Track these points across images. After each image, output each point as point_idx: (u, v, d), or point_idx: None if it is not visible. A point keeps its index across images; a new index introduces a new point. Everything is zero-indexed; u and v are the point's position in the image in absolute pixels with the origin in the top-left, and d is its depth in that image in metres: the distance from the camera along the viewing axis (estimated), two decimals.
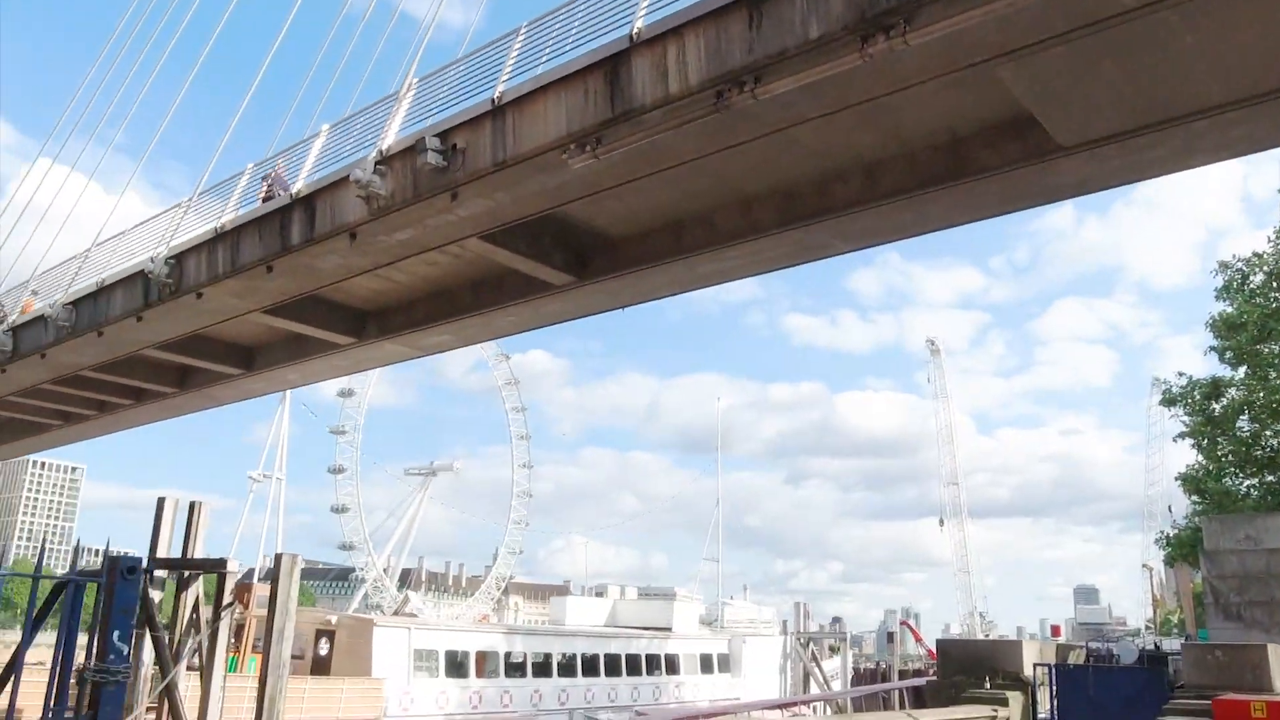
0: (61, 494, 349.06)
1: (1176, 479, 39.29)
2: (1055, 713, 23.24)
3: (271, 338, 25.43)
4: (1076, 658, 26.73)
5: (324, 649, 35.74)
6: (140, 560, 11.11)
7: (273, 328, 24.13)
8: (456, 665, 38.17)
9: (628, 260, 18.40)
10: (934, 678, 26.21)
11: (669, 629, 52.02)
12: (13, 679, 10.66)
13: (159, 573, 27.14)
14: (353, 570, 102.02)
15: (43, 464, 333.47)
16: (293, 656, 36.65)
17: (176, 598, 27.23)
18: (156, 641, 25.70)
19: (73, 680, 12.96)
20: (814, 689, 55.20)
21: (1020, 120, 12.87)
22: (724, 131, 12.80)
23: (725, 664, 52.91)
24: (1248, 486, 37.72)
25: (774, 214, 15.83)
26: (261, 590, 36.06)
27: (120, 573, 10.38)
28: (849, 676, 55.42)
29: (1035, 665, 23.92)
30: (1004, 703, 22.01)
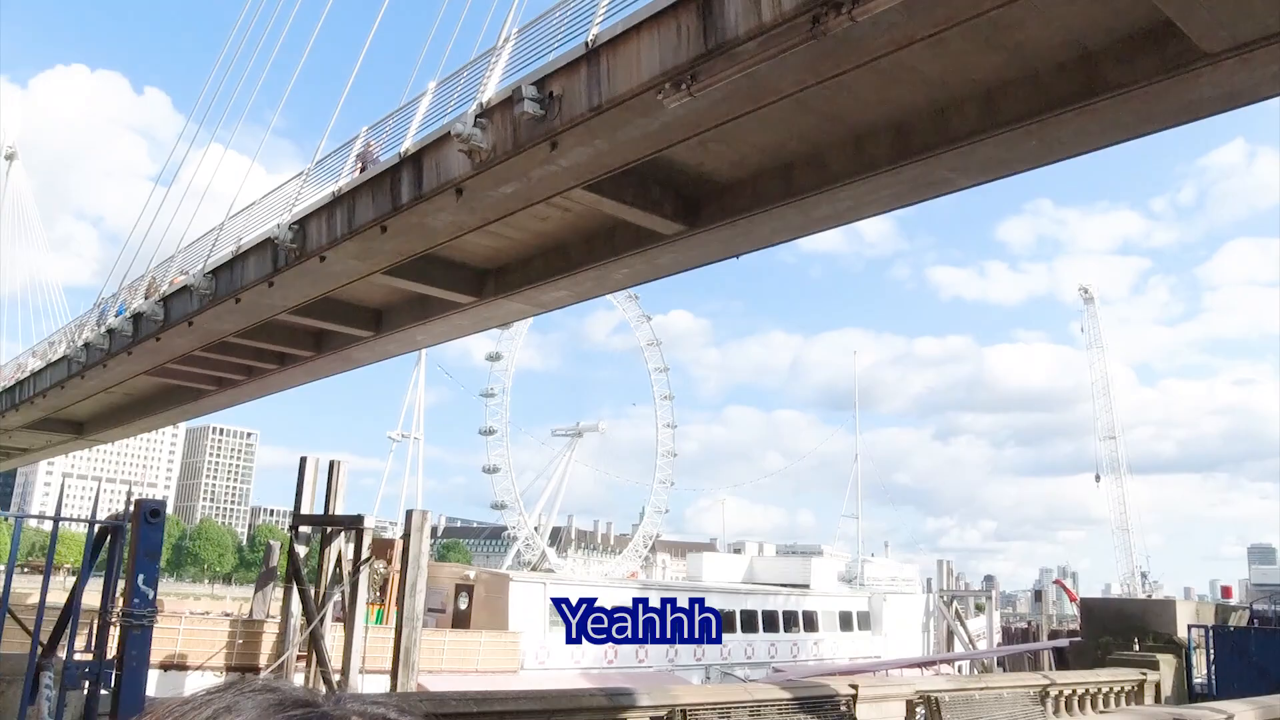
0: (239, 458, 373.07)
1: None
2: (1213, 677, 21.77)
3: (397, 299, 25.95)
4: (1239, 620, 24.98)
5: (464, 603, 36.80)
6: (163, 504, 11.31)
7: (397, 289, 24.63)
8: None
9: (738, 206, 17.83)
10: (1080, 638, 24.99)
11: (807, 586, 51.47)
12: (70, 622, 11.09)
13: (304, 529, 28.47)
14: (505, 529, 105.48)
15: (221, 430, 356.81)
16: (434, 610, 38.11)
17: (321, 552, 28.48)
18: (303, 594, 26.98)
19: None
20: (958, 648, 53.79)
21: (1157, 28, 11.67)
22: (825, 60, 12.07)
23: (865, 621, 52.04)
24: None
25: (887, 149, 14.98)
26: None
27: (144, 516, 10.57)
28: (995, 636, 53.60)
29: (1190, 627, 22.45)
30: (1153, 665, 20.73)
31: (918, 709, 14.82)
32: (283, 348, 30.13)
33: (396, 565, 35.92)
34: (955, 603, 56.46)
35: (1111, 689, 19.71)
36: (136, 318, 28.96)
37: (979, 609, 65.05)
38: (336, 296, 24.96)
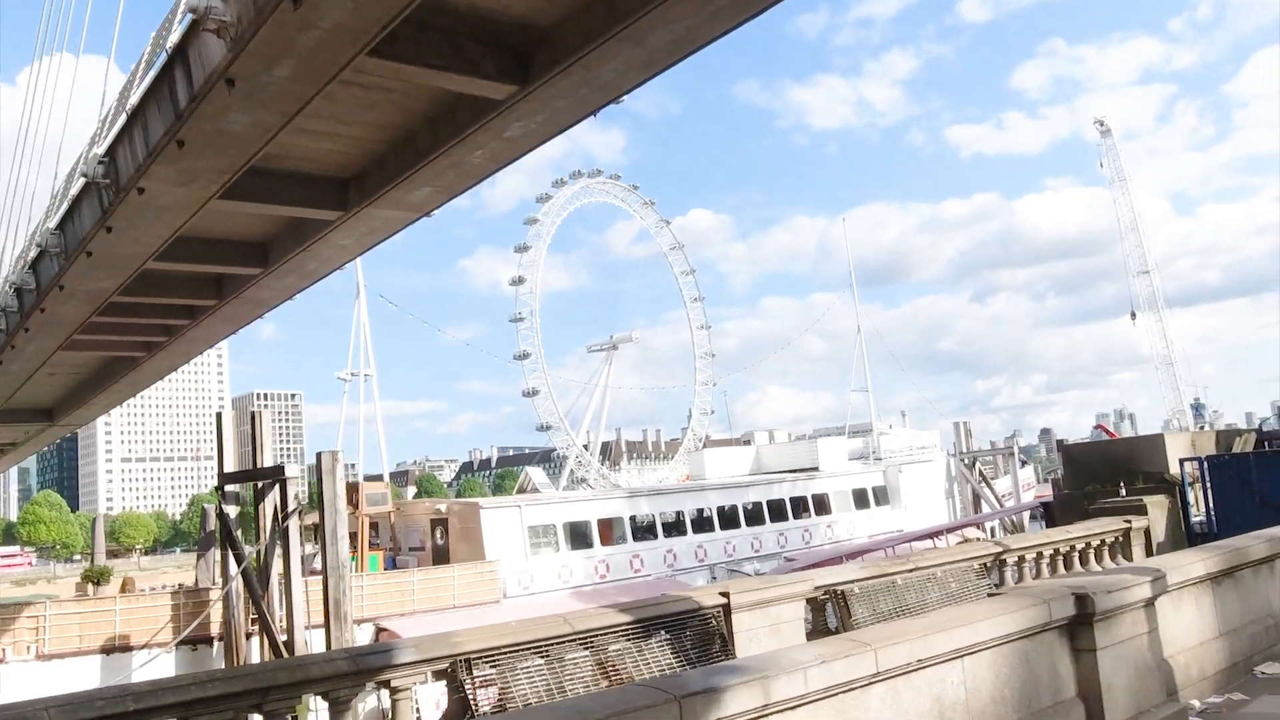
0: (287, 420, 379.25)
1: None
2: (1211, 514, 19.32)
3: (274, 228, 23.67)
4: (1243, 445, 22.37)
5: (440, 538, 35.28)
6: None
7: (264, 216, 22.35)
8: (579, 536, 37.08)
9: (568, 49, 15.03)
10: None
11: (815, 469, 49.45)
12: None
13: (231, 487, 26.70)
14: (553, 450, 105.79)
15: (265, 395, 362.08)
16: (415, 549, 36.65)
17: (256, 509, 26.76)
18: (237, 558, 25.34)
19: None
20: (986, 510, 51.72)
21: None
22: None
23: (883, 496, 50.05)
24: None
25: None
26: (372, 489, 35.74)
27: None
28: (1024, 494, 51.39)
29: (1182, 461, 19.91)
30: (1140, 510, 18.34)
31: (826, 605, 12.59)
32: (185, 299, 28.13)
33: (363, 511, 34.37)
34: (978, 464, 54.25)
35: (1090, 544, 17.39)
36: (18, 291, 27.00)
37: (1022, 464, 62.84)
38: (198, 234, 22.65)
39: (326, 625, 23.72)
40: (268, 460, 26.07)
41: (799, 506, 45.96)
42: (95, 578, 36.43)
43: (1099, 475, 20.54)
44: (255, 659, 25.88)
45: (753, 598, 11.32)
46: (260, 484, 25.97)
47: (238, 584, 25.55)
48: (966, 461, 53.59)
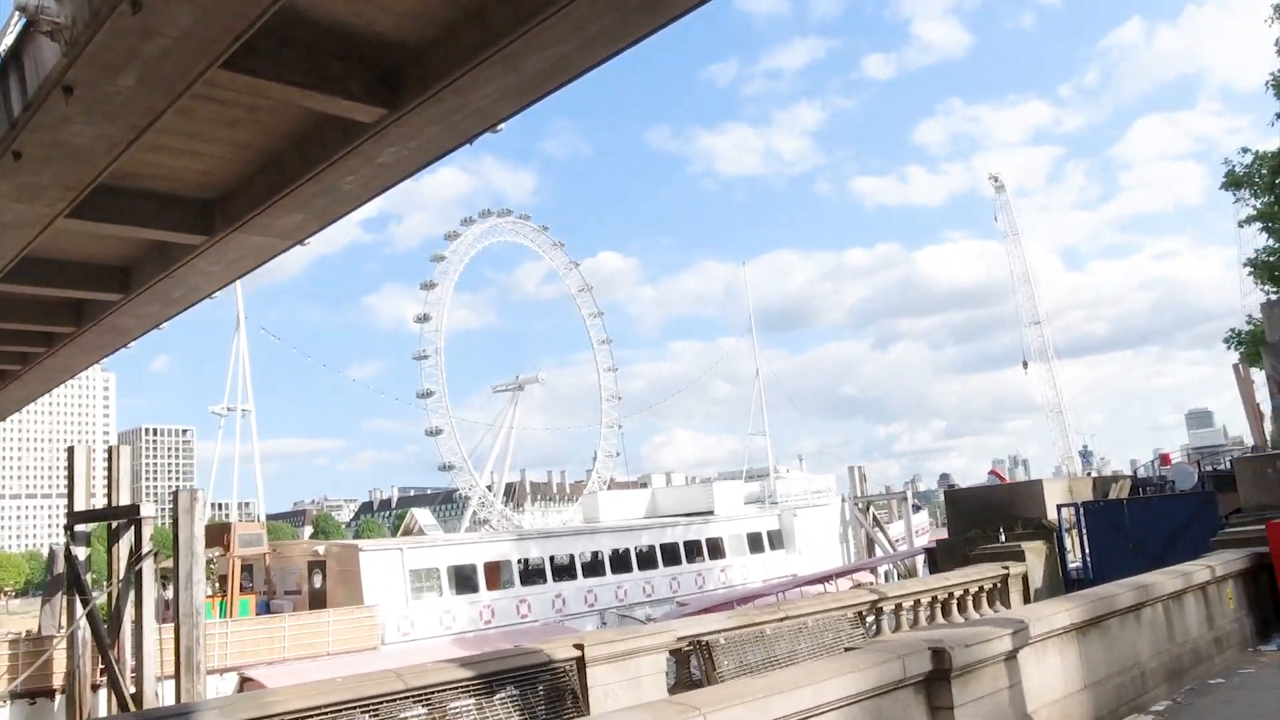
0: (177, 456, 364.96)
1: (1244, 265, 34.10)
2: (1086, 559, 19.40)
3: (133, 252, 22.37)
4: (1119, 491, 22.70)
5: (318, 581, 33.67)
6: None
7: (122, 239, 21.06)
8: (464, 580, 35.88)
9: (439, 72, 14.44)
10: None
11: (710, 512, 49.10)
12: None
13: (80, 527, 24.95)
14: (455, 491, 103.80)
15: (155, 430, 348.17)
16: (289, 592, 34.93)
17: (109, 551, 25.02)
18: (84, 603, 23.58)
19: None
20: (880, 554, 51.99)
21: None
22: None
23: (778, 540, 49.93)
24: None
25: None
26: (245, 529, 34.05)
27: None
28: (918, 539, 51.91)
29: (1059, 507, 19.99)
30: (1018, 557, 18.25)
31: (691, 657, 11.98)
32: (40, 326, 26.46)
33: (235, 552, 32.63)
34: (872, 508, 54.64)
35: (968, 591, 17.19)
36: None
37: (916, 509, 63.54)
38: (50, 255, 21.32)
39: (177, 676, 22.11)
40: (125, 499, 24.40)
41: (693, 550, 45.48)
42: None
43: (981, 520, 20.49)
44: (101, 712, 24.04)
45: (609, 650, 10.64)
46: (115, 524, 24.29)
47: (84, 631, 23.76)
48: (861, 506, 53.92)
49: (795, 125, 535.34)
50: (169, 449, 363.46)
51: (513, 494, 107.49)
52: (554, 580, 38.93)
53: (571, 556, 40.27)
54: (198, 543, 22.65)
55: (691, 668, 11.91)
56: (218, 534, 32.90)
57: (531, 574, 38.83)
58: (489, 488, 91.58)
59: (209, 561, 33.06)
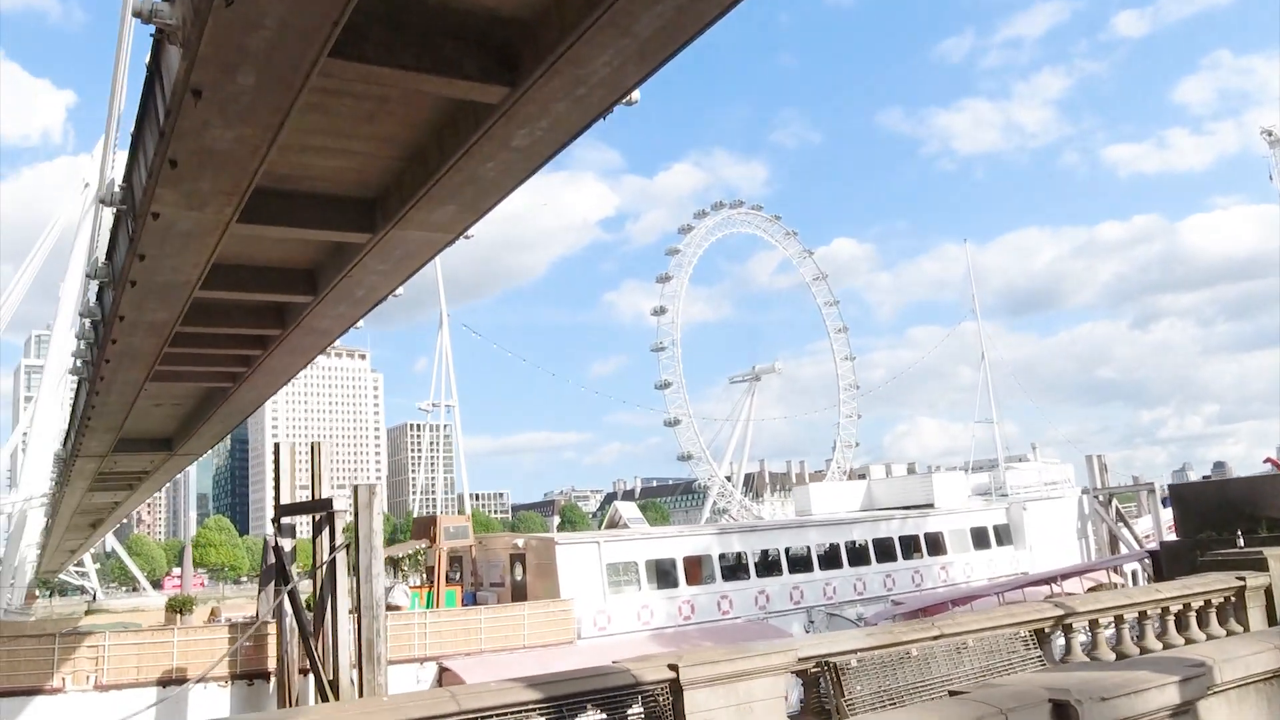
0: (438, 450, 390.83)
1: None
2: None
3: (314, 255, 23.11)
4: None
5: (519, 574, 34.08)
6: None
7: (300, 241, 21.72)
8: (663, 575, 35.25)
9: (550, 44, 13.60)
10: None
11: (930, 505, 46.08)
12: None
13: (286, 520, 26.20)
14: (695, 481, 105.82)
15: (417, 425, 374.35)
16: (494, 584, 35.60)
17: (314, 543, 26.16)
18: (290, 593, 24.72)
19: None
20: (1125, 552, 47.06)
21: None
22: None
23: (1006, 536, 46.21)
24: None
25: None
26: (451, 522, 34.97)
27: None
28: (1164, 535, 46.51)
29: None
30: (1259, 565, 15.36)
31: (820, 680, 10.50)
32: (252, 329, 28.06)
33: (441, 544, 33.54)
34: (1115, 501, 49.57)
35: (1188, 606, 14.56)
36: (94, 323, 27.49)
37: (1167, 502, 57.37)
38: (242, 261, 22.36)
39: (360, 666, 22.74)
40: (325, 492, 25.43)
41: (909, 546, 42.83)
42: (179, 607, 36.82)
43: (1215, 521, 17.48)
44: (311, 697, 25.16)
45: (711, 671, 9.40)
46: (318, 517, 25.38)
47: (291, 620, 25.00)
48: (1101, 499, 49.06)
49: (1037, 95, 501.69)
50: (431, 442, 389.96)
51: (751, 484, 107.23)
52: (757, 576, 37.70)
53: (776, 551, 38.84)
54: (376, 536, 23.19)
55: (821, 692, 10.45)
56: (425, 526, 34.04)
57: (734, 569, 37.77)
58: (728, 478, 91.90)
59: (417, 553, 34.29)
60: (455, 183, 18.13)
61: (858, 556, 40.90)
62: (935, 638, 11.13)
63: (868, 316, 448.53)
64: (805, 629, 36.31)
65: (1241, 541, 16.24)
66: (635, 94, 15.72)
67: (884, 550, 41.71)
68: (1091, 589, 37.91)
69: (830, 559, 40.26)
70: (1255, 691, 7.56)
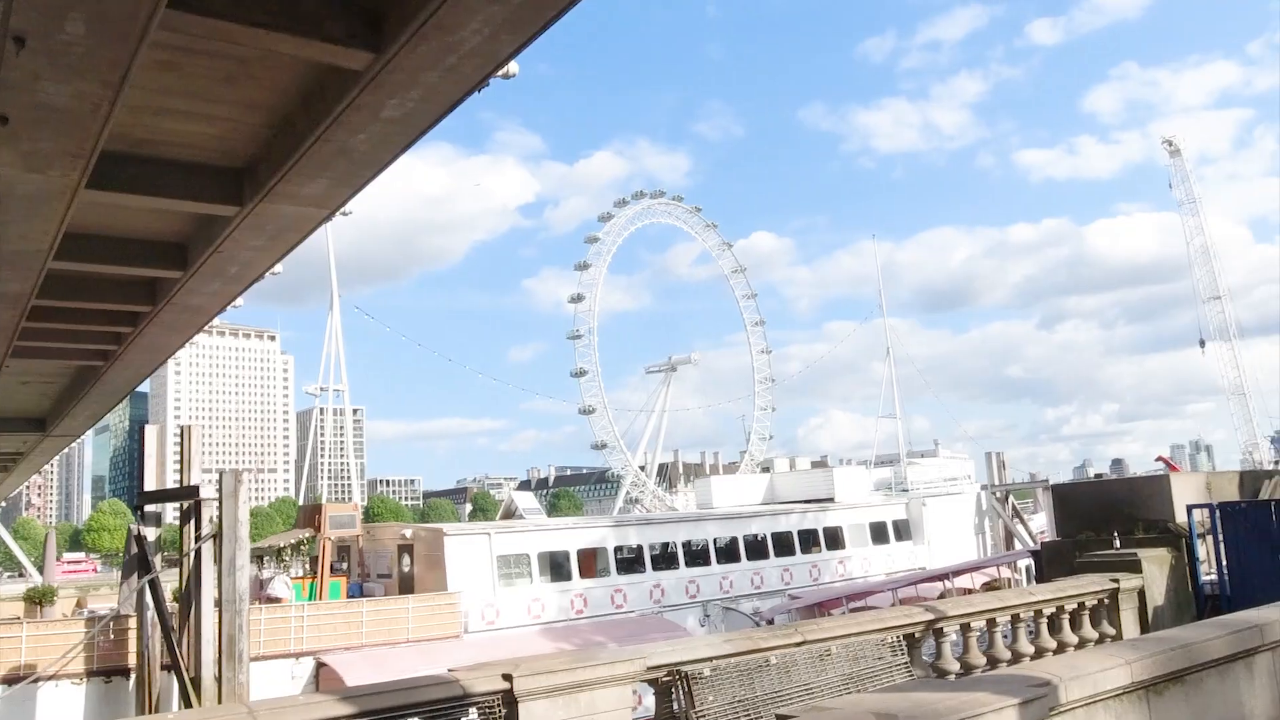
0: (350, 434, 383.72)
1: None
2: (1224, 573, 16.16)
3: (182, 227, 21.71)
4: (1274, 489, 19.06)
5: (407, 566, 33.07)
6: None
7: (166, 212, 20.32)
8: (556, 567, 34.60)
9: (416, 5, 12.69)
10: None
11: (831, 499, 46.29)
12: None
13: (150, 507, 24.79)
14: (609, 470, 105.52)
15: (324, 410, 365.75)
16: (382, 575, 34.49)
17: (180, 531, 24.79)
18: (152, 584, 23.36)
19: None
20: (1019, 548, 47.92)
21: None
22: None
23: (905, 530, 46.67)
24: None
25: None
26: (338, 510, 33.77)
27: None
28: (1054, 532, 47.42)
29: (1190, 508, 16.75)
30: (1133, 567, 15.31)
31: (672, 690, 9.91)
32: (122, 305, 26.48)
33: (325, 534, 32.31)
34: (1012, 498, 50.51)
35: (1061, 609, 14.40)
36: None
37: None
38: (101, 231, 20.89)
39: (220, 664, 21.57)
40: (195, 479, 24.05)
41: (808, 540, 42.92)
42: (38, 598, 34.74)
43: (1095, 521, 17.46)
44: (174, 695, 23.86)
45: (548, 682, 8.72)
46: (185, 505, 24.04)
47: (153, 613, 23.65)
48: (999, 495, 49.95)
49: (955, 98, 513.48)
50: (340, 428, 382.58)
51: (665, 474, 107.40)
52: (653, 569, 37.28)
53: (673, 544, 38.48)
54: (242, 527, 22.02)
55: (675, 703, 9.86)
56: (310, 515, 32.78)
57: (631, 562, 37.28)
58: (642, 468, 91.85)
59: (300, 542, 32.99)
60: (326, 154, 17.09)
61: (756, 550, 40.80)
62: (798, 644, 10.63)
63: (786, 310, 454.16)
64: (701, 623, 36.08)
65: (1118, 543, 16.23)
66: (513, 66, 14.90)
67: (782, 544, 41.69)
68: (986, 585, 38.40)
69: (728, 553, 40.08)
70: (1104, 709, 7.18)
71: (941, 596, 31.74)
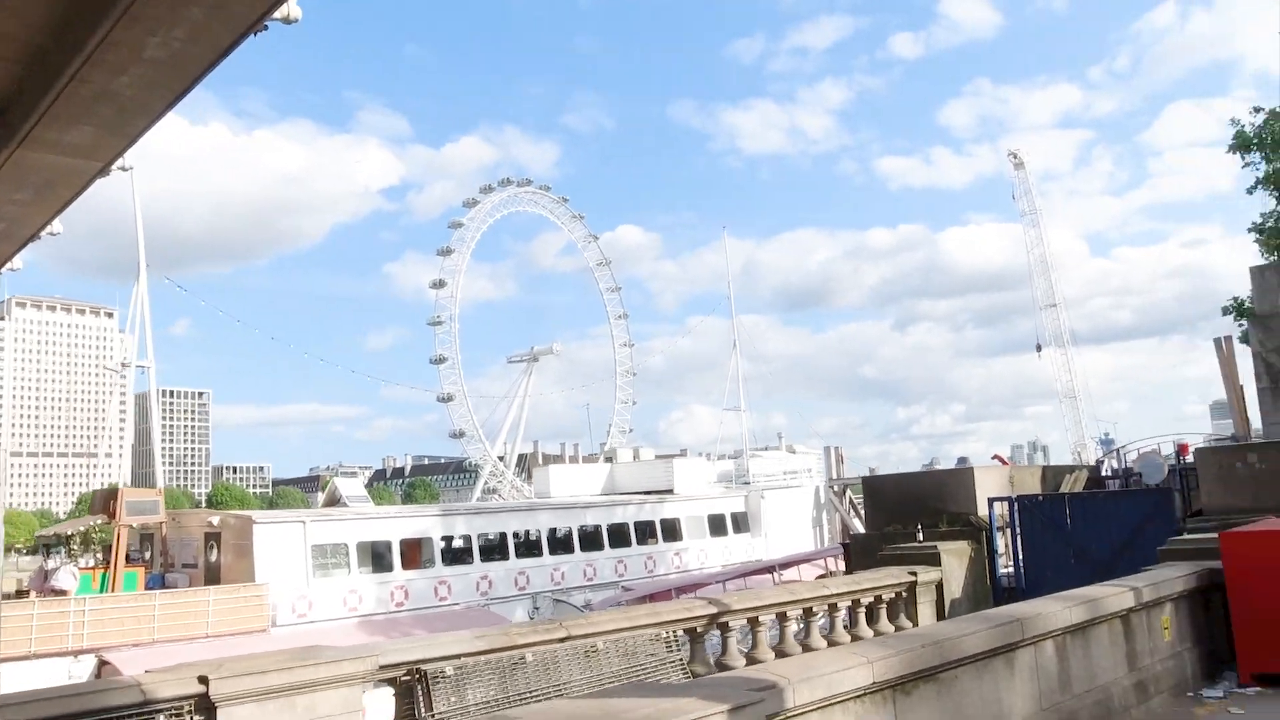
0: (193, 418, 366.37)
1: (1250, 229, 30.62)
2: (1020, 565, 16.24)
3: None
4: (1074, 484, 19.46)
5: (214, 555, 30.97)
6: None
7: None
8: (377, 558, 33.11)
9: None
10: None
11: (670, 490, 46.06)
12: None
13: None
14: (467, 460, 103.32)
15: (170, 392, 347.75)
16: (186, 565, 32.25)
17: None
18: None
19: None
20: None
21: None
22: None
23: (744, 523, 46.86)
24: None
25: None
26: (137, 496, 31.40)
27: None
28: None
29: (991, 501, 16.80)
30: (932, 560, 15.11)
31: (414, 690, 8.95)
32: None
33: (121, 520, 29.91)
34: (849, 491, 51.45)
35: (858, 602, 14.08)
36: None
37: None
38: None
39: None
40: None
41: (645, 531, 42.55)
42: None
43: (903, 514, 17.39)
44: None
45: (256, 684, 7.65)
46: None
47: None
48: (837, 489, 50.78)
49: (821, 103, 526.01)
50: (185, 410, 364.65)
51: (524, 465, 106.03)
52: (482, 560, 36.11)
53: (503, 535, 37.39)
54: None
55: (418, 702, 8.92)
56: (104, 501, 30.28)
57: (460, 553, 36.03)
58: (501, 458, 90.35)
59: (90, 530, 30.52)
60: (87, 97, 15.31)
61: (591, 541, 40.15)
62: (562, 640, 9.82)
63: (651, 304, 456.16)
64: (530, 615, 35.11)
65: (921, 535, 16.14)
66: (294, 9, 13.62)
67: (619, 535, 41.17)
68: (820, 577, 38.70)
69: (562, 543, 39.29)
70: (842, 712, 6.57)
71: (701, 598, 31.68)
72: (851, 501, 51.36)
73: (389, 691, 9.06)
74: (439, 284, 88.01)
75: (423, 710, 8.65)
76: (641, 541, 42.06)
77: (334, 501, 39.46)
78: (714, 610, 11.51)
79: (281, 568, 29.95)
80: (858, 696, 6.70)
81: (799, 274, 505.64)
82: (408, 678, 8.84)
